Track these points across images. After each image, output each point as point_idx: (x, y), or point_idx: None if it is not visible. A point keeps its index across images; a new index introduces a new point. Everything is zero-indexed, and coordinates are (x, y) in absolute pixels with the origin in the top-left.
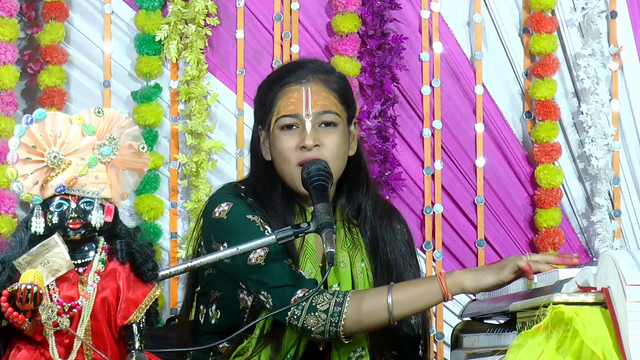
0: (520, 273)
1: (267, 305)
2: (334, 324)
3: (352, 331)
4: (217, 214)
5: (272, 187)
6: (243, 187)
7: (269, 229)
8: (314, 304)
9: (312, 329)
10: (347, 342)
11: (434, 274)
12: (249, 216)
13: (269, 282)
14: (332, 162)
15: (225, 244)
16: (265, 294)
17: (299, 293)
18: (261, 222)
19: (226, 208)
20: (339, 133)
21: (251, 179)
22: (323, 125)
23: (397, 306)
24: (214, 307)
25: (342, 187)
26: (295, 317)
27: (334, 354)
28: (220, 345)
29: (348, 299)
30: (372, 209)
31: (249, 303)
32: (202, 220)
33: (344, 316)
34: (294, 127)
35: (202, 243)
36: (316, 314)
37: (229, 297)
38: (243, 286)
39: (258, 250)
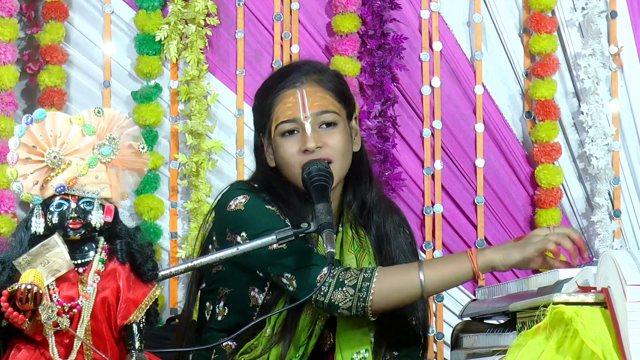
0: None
1: (290, 288)
2: (362, 299)
3: (380, 307)
4: (232, 207)
5: (285, 189)
6: (255, 185)
7: (287, 220)
8: (341, 280)
9: (340, 304)
10: (374, 319)
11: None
12: (268, 206)
13: (293, 264)
14: (337, 161)
15: (243, 234)
16: (290, 275)
17: (325, 270)
18: (279, 213)
19: (243, 200)
20: (340, 131)
21: (260, 182)
22: (324, 125)
23: (429, 282)
24: (221, 304)
25: (347, 185)
26: (322, 293)
27: (337, 355)
28: (224, 344)
29: (376, 274)
30: (377, 206)
31: (260, 301)
32: (211, 217)
33: (372, 291)
34: (295, 132)
35: (213, 239)
36: (344, 289)
37: (239, 294)
38: (260, 274)
39: None
